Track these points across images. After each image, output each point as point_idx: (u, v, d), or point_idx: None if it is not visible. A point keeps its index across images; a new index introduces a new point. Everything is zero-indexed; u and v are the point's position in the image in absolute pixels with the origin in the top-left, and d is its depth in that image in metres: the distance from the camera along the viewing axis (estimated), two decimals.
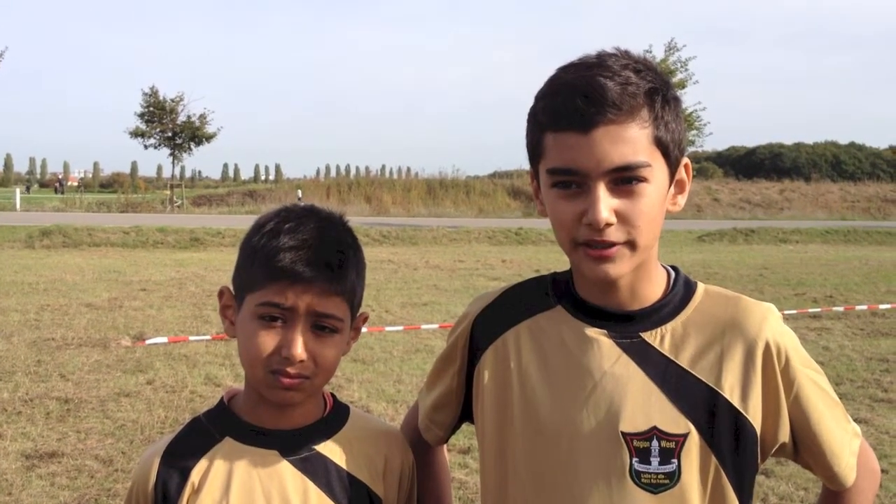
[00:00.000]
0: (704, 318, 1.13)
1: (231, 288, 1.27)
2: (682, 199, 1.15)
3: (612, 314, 1.13)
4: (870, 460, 1.21)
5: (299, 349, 1.15)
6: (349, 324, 1.24)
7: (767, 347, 1.09)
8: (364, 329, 1.34)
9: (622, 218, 1.04)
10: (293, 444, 1.22)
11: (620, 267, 1.06)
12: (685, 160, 1.13)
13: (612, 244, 1.04)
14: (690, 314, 1.13)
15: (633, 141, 1.02)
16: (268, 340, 1.16)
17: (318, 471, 1.21)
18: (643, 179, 1.04)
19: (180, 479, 1.19)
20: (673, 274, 1.18)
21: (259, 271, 1.17)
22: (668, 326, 1.12)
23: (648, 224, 1.05)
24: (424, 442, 1.36)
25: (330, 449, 1.24)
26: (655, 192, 1.06)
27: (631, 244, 1.05)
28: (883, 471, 4.35)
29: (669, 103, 1.07)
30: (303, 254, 1.16)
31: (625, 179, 1.03)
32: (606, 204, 1.02)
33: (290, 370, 1.16)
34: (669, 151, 1.07)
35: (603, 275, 1.06)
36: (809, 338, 8.14)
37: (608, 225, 1.03)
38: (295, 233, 1.17)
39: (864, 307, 10.34)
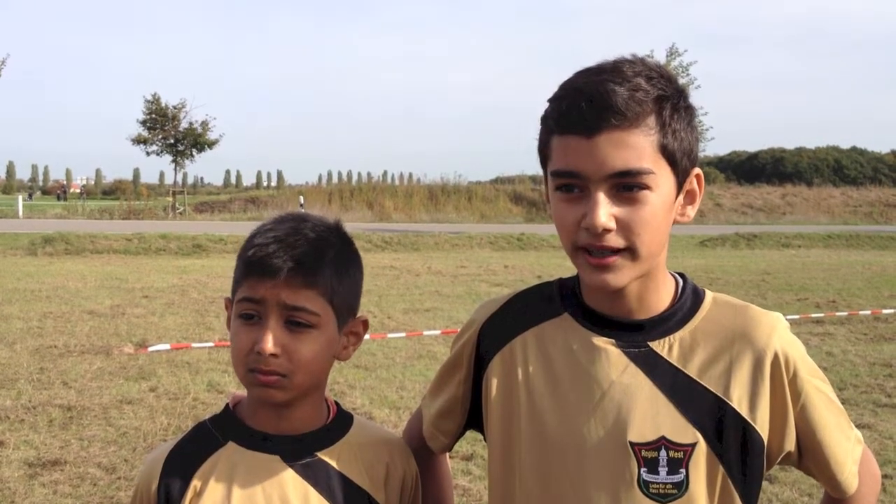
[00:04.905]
0: (713, 327, 1.12)
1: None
2: (691, 210, 1.13)
3: (619, 322, 1.13)
4: (871, 465, 1.22)
5: (269, 343, 1.15)
6: (331, 322, 1.22)
7: (776, 358, 1.09)
8: (366, 336, 1.34)
9: (622, 225, 1.03)
10: (296, 449, 1.22)
11: (621, 277, 1.06)
12: (696, 170, 1.11)
13: (611, 251, 1.04)
14: (699, 323, 1.13)
15: (636, 147, 1.02)
16: (245, 338, 1.18)
17: (319, 477, 1.21)
18: (646, 187, 1.03)
19: (183, 482, 1.20)
20: (681, 282, 1.18)
21: (238, 271, 1.22)
22: (677, 336, 1.12)
23: (651, 233, 1.04)
24: (428, 449, 1.35)
25: (332, 455, 1.24)
26: (659, 200, 1.04)
27: (631, 252, 1.04)
28: (886, 476, 4.35)
29: (679, 112, 1.06)
30: (272, 248, 1.18)
31: (626, 186, 1.03)
32: (606, 209, 1.02)
33: (264, 367, 1.16)
34: (676, 160, 1.06)
35: (603, 284, 1.06)
36: (812, 343, 8.11)
37: (607, 231, 1.02)
38: (269, 232, 1.21)
39: (868, 312, 10.32)
